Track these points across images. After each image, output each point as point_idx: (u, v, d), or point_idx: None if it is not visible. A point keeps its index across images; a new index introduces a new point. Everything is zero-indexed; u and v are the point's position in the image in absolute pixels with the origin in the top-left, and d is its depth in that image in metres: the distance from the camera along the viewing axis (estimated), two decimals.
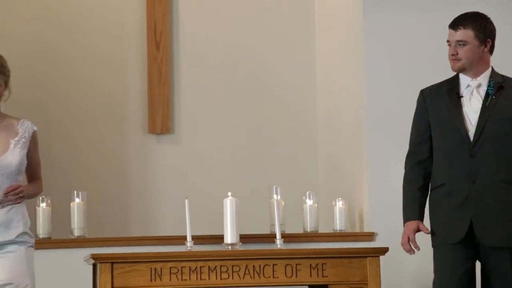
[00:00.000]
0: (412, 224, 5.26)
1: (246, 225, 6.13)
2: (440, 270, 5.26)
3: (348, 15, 7.07)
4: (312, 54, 7.49)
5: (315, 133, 7.43)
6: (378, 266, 5.73)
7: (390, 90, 6.69)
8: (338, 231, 6.60)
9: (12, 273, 4.91)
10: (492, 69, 5.25)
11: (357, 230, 6.72)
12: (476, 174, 5.11)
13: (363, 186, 6.67)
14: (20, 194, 4.93)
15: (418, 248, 5.26)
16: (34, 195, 5.16)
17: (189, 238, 5.76)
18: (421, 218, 5.29)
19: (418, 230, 5.27)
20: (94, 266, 5.70)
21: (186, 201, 5.76)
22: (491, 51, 5.23)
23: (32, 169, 5.08)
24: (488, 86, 5.20)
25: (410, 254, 5.30)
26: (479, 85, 5.21)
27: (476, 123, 5.16)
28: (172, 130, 7.33)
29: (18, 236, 4.96)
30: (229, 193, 5.88)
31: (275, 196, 6.28)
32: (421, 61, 6.75)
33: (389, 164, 6.51)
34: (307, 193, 6.58)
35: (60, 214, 6.49)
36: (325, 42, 7.45)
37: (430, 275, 6.47)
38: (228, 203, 5.90)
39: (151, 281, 5.58)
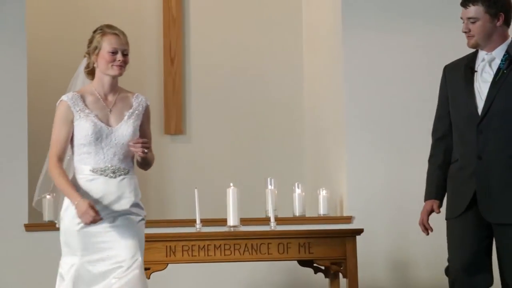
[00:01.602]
0: (427, 204, 4.67)
1: (245, 210, 6.09)
2: (448, 244, 4.58)
3: (330, 29, 7.04)
4: (300, 67, 7.47)
5: (303, 133, 7.39)
6: (355, 244, 5.69)
7: (367, 94, 6.65)
8: (321, 215, 6.59)
9: (125, 249, 4.34)
10: (511, 42, 4.54)
11: (338, 214, 6.74)
12: (483, 150, 4.43)
13: (342, 178, 6.68)
14: (146, 145, 4.38)
15: (431, 229, 4.66)
16: (152, 160, 4.57)
17: (198, 221, 5.76)
18: (437, 197, 4.65)
19: (433, 210, 4.66)
20: None
21: (196, 190, 5.74)
22: (507, 23, 4.52)
23: None
24: (501, 60, 4.50)
25: (426, 234, 4.70)
26: (492, 59, 4.52)
27: (485, 98, 4.47)
28: (184, 131, 7.34)
29: (131, 206, 4.41)
30: (231, 184, 5.86)
31: (269, 186, 6.26)
32: (395, 68, 6.67)
33: (366, 159, 6.53)
34: (296, 183, 6.60)
35: None
36: (311, 57, 7.44)
37: (400, 252, 6.56)
38: (231, 192, 5.88)
39: (166, 257, 5.58)
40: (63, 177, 4.37)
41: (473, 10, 4.46)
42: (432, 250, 6.12)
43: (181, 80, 7.36)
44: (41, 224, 6.41)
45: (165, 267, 5.63)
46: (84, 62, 4.57)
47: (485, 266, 4.47)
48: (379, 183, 6.52)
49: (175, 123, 7.33)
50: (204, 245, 5.64)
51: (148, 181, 7.34)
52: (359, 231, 5.79)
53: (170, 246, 5.60)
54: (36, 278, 6.31)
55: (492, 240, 4.49)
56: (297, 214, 6.60)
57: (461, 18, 4.53)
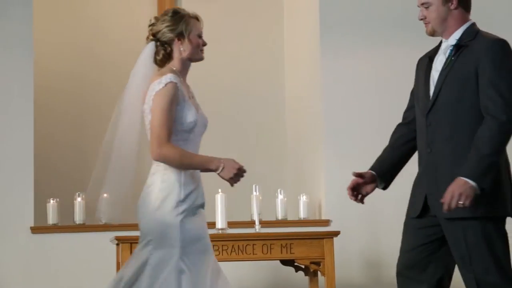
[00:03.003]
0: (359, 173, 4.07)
1: (232, 214, 6.11)
2: (401, 246, 4.06)
3: (309, 50, 7.02)
4: (282, 84, 7.44)
5: (285, 145, 7.33)
6: (332, 245, 5.69)
7: (343, 109, 6.64)
8: (302, 218, 6.59)
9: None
10: (469, 27, 3.90)
11: (316, 218, 6.72)
12: (432, 143, 3.86)
13: (320, 185, 6.67)
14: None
15: (354, 197, 4.08)
16: None
17: None
18: (372, 168, 4.05)
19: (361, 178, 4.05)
20: (117, 245, 5.69)
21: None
22: (464, 7, 3.91)
23: None
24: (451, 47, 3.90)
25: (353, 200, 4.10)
26: (447, 46, 3.93)
27: (433, 89, 3.90)
28: None
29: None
30: (220, 190, 5.82)
31: (254, 192, 6.26)
32: (370, 82, 6.63)
33: (342, 168, 6.38)
34: (279, 189, 6.60)
35: (92, 206, 6.51)
36: (292, 74, 7.43)
37: (373, 253, 6.58)
38: (219, 198, 5.89)
39: None
40: (187, 152, 3.81)
41: None
42: None
43: None
44: (47, 227, 6.41)
45: None
46: (150, 49, 3.91)
47: (429, 268, 3.92)
48: None
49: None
50: None
51: (140, 189, 7.34)
52: (336, 233, 5.80)
53: None
54: (42, 279, 6.29)
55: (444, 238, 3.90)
56: (279, 217, 6.61)
57: (418, 6, 3.98)
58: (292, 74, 7.44)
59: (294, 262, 5.92)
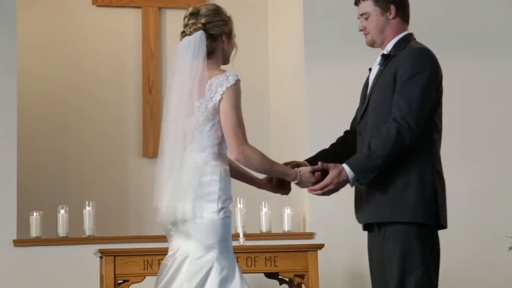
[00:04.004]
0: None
1: None
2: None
3: (294, 63, 7.03)
4: (267, 93, 7.47)
5: (270, 156, 7.19)
6: (316, 258, 5.70)
7: (327, 121, 6.52)
8: (286, 231, 6.60)
9: None
10: (403, 37, 3.92)
11: (301, 230, 6.72)
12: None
13: (305, 198, 6.59)
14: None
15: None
16: None
17: None
18: (311, 158, 4.02)
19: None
20: (101, 258, 5.66)
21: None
22: (402, 18, 3.94)
23: None
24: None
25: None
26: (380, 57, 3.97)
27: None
28: None
29: None
30: None
31: (239, 205, 6.24)
32: (354, 95, 6.53)
33: None
34: (263, 202, 6.59)
35: (75, 218, 6.47)
36: (276, 90, 7.45)
37: (357, 266, 6.57)
38: None
39: (144, 269, 5.52)
40: (266, 156, 3.65)
41: (364, 5, 3.94)
42: None
43: (158, 107, 7.30)
44: (30, 240, 6.37)
45: (143, 279, 5.57)
46: (199, 38, 3.62)
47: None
48: (338, 202, 6.42)
49: (153, 147, 7.27)
50: None
51: (128, 200, 7.32)
52: (320, 246, 5.80)
53: (147, 260, 5.56)
54: None
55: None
56: (264, 230, 6.61)
57: (358, 18, 4.00)
58: (277, 88, 7.45)
59: (278, 275, 5.89)
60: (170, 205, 3.63)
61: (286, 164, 3.92)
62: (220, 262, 3.60)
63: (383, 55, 3.91)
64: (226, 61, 3.78)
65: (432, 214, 3.77)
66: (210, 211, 3.59)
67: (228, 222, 3.63)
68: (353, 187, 3.90)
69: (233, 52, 3.75)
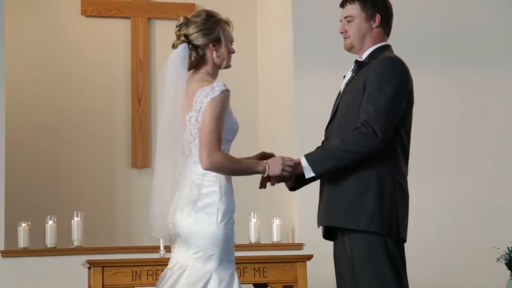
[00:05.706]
0: None
1: None
2: None
3: (283, 72, 7.04)
4: (256, 103, 7.51)
5: None
6: (305, 269, 5.70)
7: (316, 132, 6.60)
8: (275, 242, 6.61)
9: None
10: (380, 46, 3.89)
11: (290, 241, 6.74)
12: None
13: (294, 209, 6.67)
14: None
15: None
16: None
17: (161, 248, 5.68)
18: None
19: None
20: (89, 269, 5.64)
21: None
22: (384, 29, 3.91)
23: None
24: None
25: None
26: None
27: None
28: (150, 165, 7.22)
29: None
30: None
31: None
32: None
33: (314, 191, 6.47)
34: (252, 213, 6.63)
35: (64, 229, 6.46)
36: (265, 99, 7.47)
37: None
38: None
39: (132, 280, 5.52)
40: (235, 157, 3.62)
41: (350, 8, 3.90)
42: None
43: (147, 118, 7.37)
44: (17, 251, 6.34)
45: None
46: (182, 51, 3.65)
47: None
48: None
49: (142, 158, 7.32)
50: None
51: (117, 211, 7.31)
52: (309, 257, 5.81)
53: (136, 270, 5.56)
54: None
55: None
56: (253, 241, 6.63)
57: (340, 20, 3.96)
58: (266, 98, 7.48)
59: (267, 286, 5.86)
60: (170, 218, 3.64)
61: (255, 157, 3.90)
62: (219, 273, 3.58)
63: (357, 62, 3.89)
64: (222, 66, 3.74)
65: (389, 224, 3.72)
66: (210, 223, 3.57)
67: (229, 234, 3.61)
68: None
69: (227, 57, 3.71)
